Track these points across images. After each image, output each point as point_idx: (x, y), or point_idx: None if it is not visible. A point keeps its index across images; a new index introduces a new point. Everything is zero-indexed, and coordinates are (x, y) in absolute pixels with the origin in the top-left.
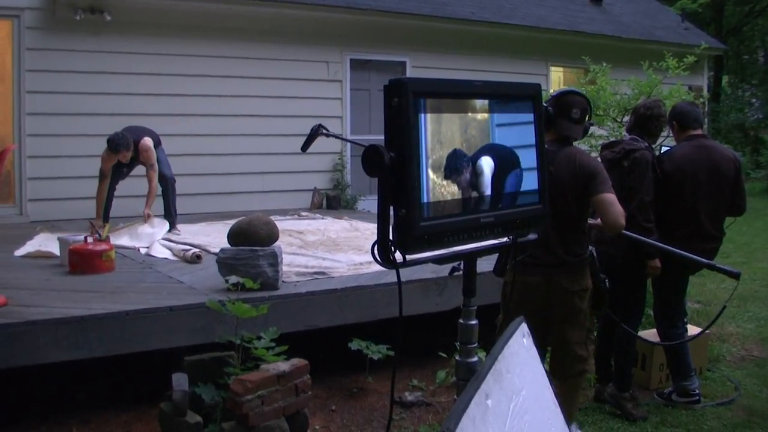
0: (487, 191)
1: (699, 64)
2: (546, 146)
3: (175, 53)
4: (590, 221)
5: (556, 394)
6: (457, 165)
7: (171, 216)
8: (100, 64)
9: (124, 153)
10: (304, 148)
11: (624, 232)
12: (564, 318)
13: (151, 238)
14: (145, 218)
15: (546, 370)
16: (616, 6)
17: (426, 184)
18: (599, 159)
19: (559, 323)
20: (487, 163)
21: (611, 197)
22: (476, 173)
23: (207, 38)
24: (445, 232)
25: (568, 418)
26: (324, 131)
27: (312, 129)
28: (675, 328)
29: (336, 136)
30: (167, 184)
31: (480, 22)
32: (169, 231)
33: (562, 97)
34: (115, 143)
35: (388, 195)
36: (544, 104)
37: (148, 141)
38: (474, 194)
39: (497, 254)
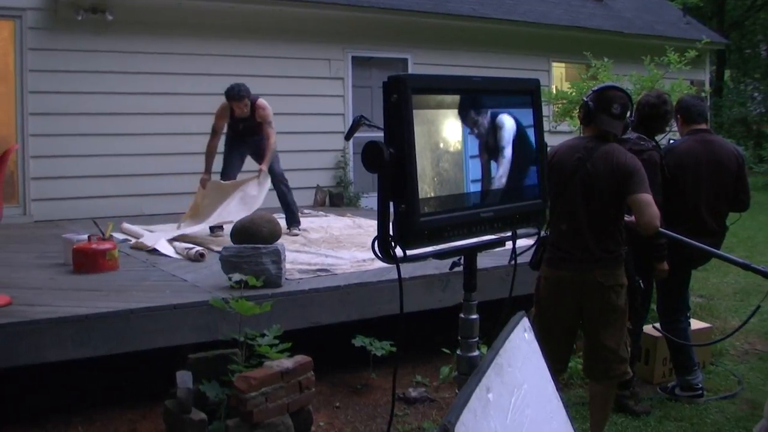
0: (508, 148)
1: (701, 58)
2: (585, 142)
3: (176, 52)
4: (625, 218)
5: (591, 398)
6: (474, 107)
7: (293, 213)
8: (102, 63)
9: (245, 101)
10: (348, 137)
11: (661, 230)
12: (599, 315)
13: (256, 201)
14: (259, 172)
15: (552, 373)
16: (618, 1)
17: (425, 179)
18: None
19: (594, 321)
20: (508, 121)
21: (647, 198)
22: (496, 126)
23: (209, 37)
24: (444, 227)
25: (597, 429)
26: (366, 122)
27: (354, 119)
28: (678, 322)
29: (378, 127)
30: (278, 180)
31: (481, 19)
32: (290, 228)
33: (602, 92)
34: (236, 90)
35: (388, 191)
36: (584, 99)
37: (265, 101)
38: (487, 185)
39: (534, 248)
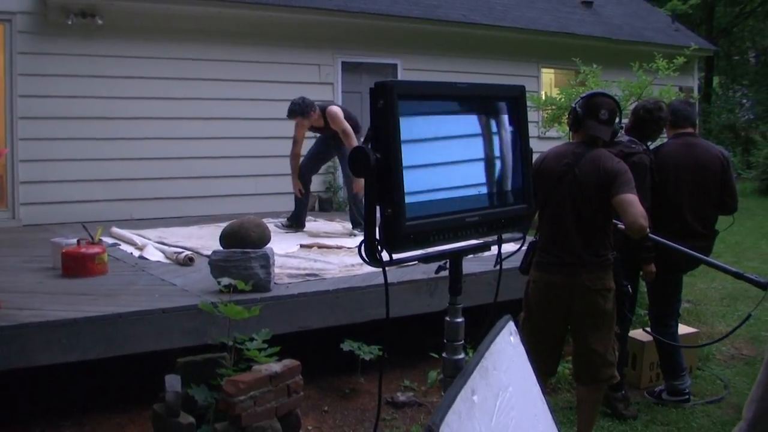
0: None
1: (689, 65)
2: (573, 148)
3: (166, 57)
4: (619, 225)
5: (579, 402)
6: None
7: (360, 225)
8: (92, 67)
9: (298, 119)
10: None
11: (650, 235)
12: (587, 319)
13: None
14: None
15: (536, 377)
16: (607, 8)
17: (412, 184)
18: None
19: (582, 325)
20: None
21: (631, 198)
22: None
23: (198, 42)
24: (430, 231)
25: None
26: None
27: None
28: (669, 326)
29: None
30: (352, 201)
31: (471, 25)
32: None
33: (590, 98)
34: (289, 109)
35: (375, 195)
36: (573, 105)
37: (335, 108)
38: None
39: (524, 252)
